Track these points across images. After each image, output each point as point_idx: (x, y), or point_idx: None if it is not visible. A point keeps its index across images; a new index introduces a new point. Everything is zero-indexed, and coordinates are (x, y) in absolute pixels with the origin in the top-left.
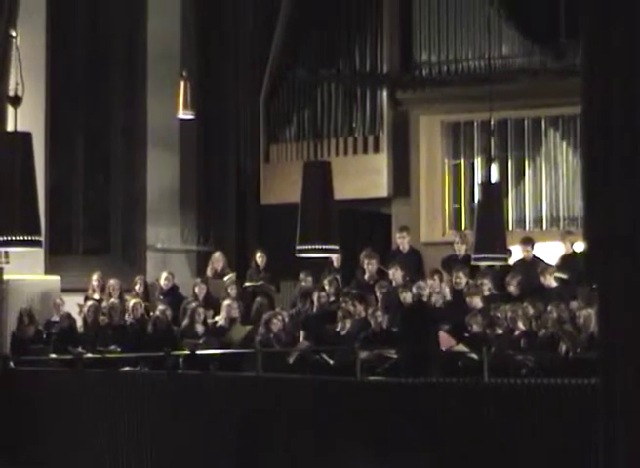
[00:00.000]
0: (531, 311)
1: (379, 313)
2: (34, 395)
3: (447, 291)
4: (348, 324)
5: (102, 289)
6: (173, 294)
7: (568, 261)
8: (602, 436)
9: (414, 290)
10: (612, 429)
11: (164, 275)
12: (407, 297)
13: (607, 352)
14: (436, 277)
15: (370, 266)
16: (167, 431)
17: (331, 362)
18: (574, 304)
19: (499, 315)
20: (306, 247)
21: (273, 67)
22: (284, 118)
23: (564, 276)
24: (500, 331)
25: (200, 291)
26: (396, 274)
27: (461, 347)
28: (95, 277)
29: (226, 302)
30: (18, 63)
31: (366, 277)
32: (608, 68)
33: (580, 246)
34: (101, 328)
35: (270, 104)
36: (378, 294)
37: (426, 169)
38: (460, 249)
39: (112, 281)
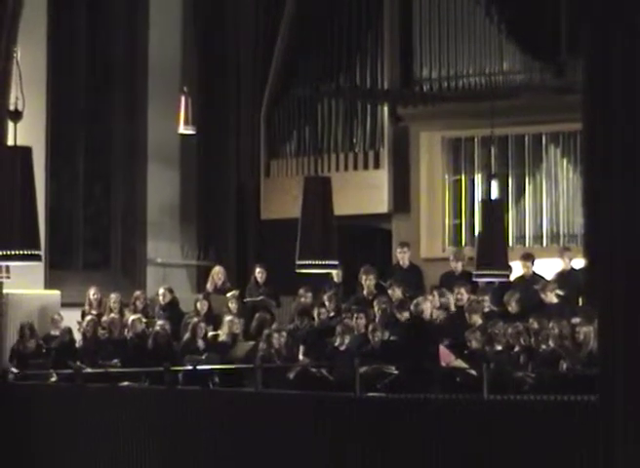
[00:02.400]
0: (535, 326)
1: (378, 329)
2: (34, 409)
3: (452, 302)
4: (347, 339)
5: (100, 303)
6: (172, 309)
7: (566, 278)
8: (602, 451)
9: (412, 307)
10: (612, 444)
11: (161, 290)
12: (404, 315)
13: (606, 368)
14: (435, 292)
15: (368, 282)
16: (167, 446)
17: (330, 378)
18: (574, 321)
19: (497, 331)
20: (306, 262)
21: (274, 83)
22: (284, 133)
23: (561, 293)
24: (499, 348)
25: (202, 306)
26: (395, 290)
27: (460, 363)
28: (92, 292)
29: (228, 318)
30: (18, 78)
31: (364, 292)
32: (608, 85)
33: (578, 262)
34: (101, 342)
35: (271, 120)
36: (376, 310)
37: (427, 185)
38: (456, 266)
39: (112, 295)
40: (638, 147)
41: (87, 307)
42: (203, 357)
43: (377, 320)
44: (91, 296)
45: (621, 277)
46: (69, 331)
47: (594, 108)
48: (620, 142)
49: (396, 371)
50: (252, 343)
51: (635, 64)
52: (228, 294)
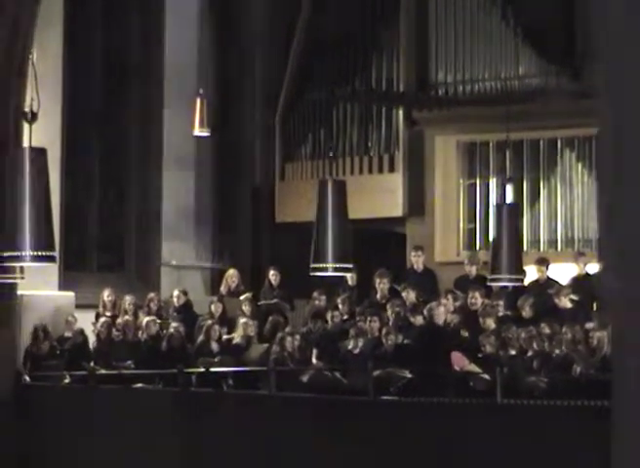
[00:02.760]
0: (547, 331)
1: (391, 332)
2: (48, 410)
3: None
4: (360, 343)
5: (114, 305)
6: (186, 312)
7: (580, 283)
8: (616, 459)
9: (425, 312)
10: (626, 452)
11: (176, 292)
12: (418, 319)
13: (620, 374)
14: (449, 296)
15: (382, 285)
16: (180, 447)
17: (344, 381)
18: (588, 326)
19: (510, 336)
20: (321, 265)
21: (289, 86)
22: (299, 137)
23: (575, 298)
24: (513, 352)
25: (216, 309)
26: (409, 294)
27: (474, 367)
28: (106, 293)
29: (242, 320)
30: (34, 80)
31: (378, 296)
32: (624, 90)
33: (593, 267)
34: (115, 344)
35: (286, 123)
36: (390, 313)
37: (441, 189)
38: (471, 270)
39: (127, 297)
40: None
41: (101, 309)
42: (216, 359)
43: (390, 323)
44: (105, 298)
45: (635, 281)
46: (82, 332)
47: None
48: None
49: (410, 375)
50: (265, 346)
51: None
52: (242, 297)
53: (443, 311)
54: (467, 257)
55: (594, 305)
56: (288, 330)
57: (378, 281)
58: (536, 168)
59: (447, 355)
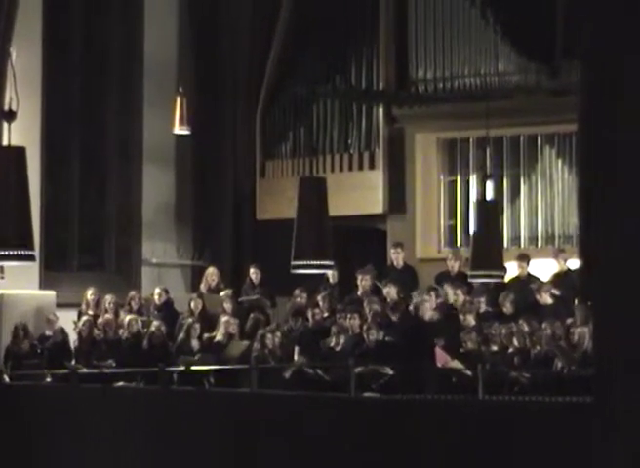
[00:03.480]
0: (526, 328)
1: (372, 329)
2: (29, 410)
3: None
4: (342, 339)
5: (97, 304)
6: (167, 310)
7: (561, 278)
8: (597, 454)
9: (411, 308)
10: (607, 447)
11: (157, 290)
12: (398, 315)
13: (601, 369)
14: (432, 293)
15: (364, 282)
16: (161, 446)
17: (326, 378)
18: (568, 321)
19: (492, 332)
20: (301, 263)
21: (269, 83)
22: (280, 134)
23: (557, 293)
24: (494, 348)
25: (196, 306)
26: (390, 290)
27: (457, 363)
28: (90, 292)
29: (224, 318)
30: (12, 78)
31: (359, 293)
32: (603, 86)
33: (574, 263)
34: (96, 343)
35: (266, 120)
36: (367, 311)
37: (422, 185)
38: (453, 266)
39: (108, 296)
40: (634, 148)
41: (84, 307)
42: (196, 357)
43: (368, 320)
44: (88, 297)
45: (617, 277)
46: (63, 331)
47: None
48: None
49: (392, 372)
50: (246, 343)
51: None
52: (222, 293)
53: (428, 307)
54: (452, 253)
55: (575, 301)
56: (269, 327)
57: (360, 277)
58: (516, 164)
59: (429, 351)
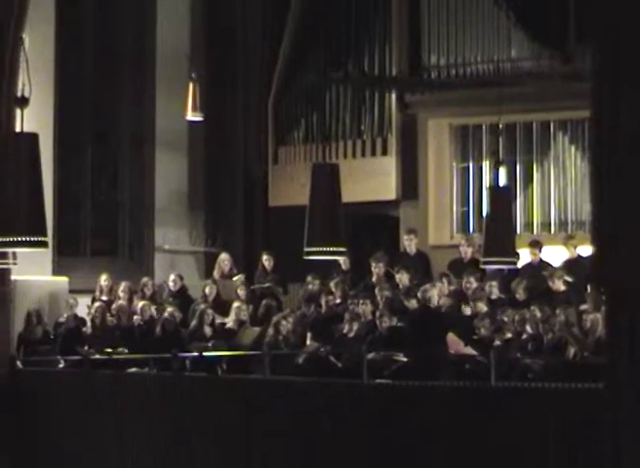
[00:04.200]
0: (538, 314)
1: (385, 316)
2: (41, 395)
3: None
4: (355, 326)
5: (110, 290)
6: (182, 296)
7: (573, 265)
8: (609, 440)
9: (419, 294)
10: (618, 433)
11: (172, 277)
12: (412, 302)
13: (614, 356)
14: (444, 280)
15: (377, 269)
16: (174, 432)
17: (339, 364)
18: (582, 308)
19: (505, 319)
20: (314, 249)
21: (282, 70)
22: (292, 120)
23: (569, 279)
24: (508, 335)
25: (210, 291)
26: (403, 277)
27: (470, 350)
28: (103, 278)
29: (235, 304)
30: (25, 65)
31: (373, 280)
32: (617, 73)
33: (584, 250)
34: (109, 329)
35: (279, 107)
36: (379, 298)
37: (434, 172)
38: (467, 251)
39: (123, 283)
40: None
41: (97, 293)
42: (209, 344)
43: (380, 307)
44: (102, 283)
45: (629, 263)
46: (75, 316)
47: (602, 96)
48: (628, 130)
49: (405, 359)
50: (257, 329)
51: None
52: (234, 278)
53: (437, 293)
54: (465, 238)
55: (587, 287)
56: (283, 313)
57: (373, 264)
58: (529, 151)
59: (442, 338)
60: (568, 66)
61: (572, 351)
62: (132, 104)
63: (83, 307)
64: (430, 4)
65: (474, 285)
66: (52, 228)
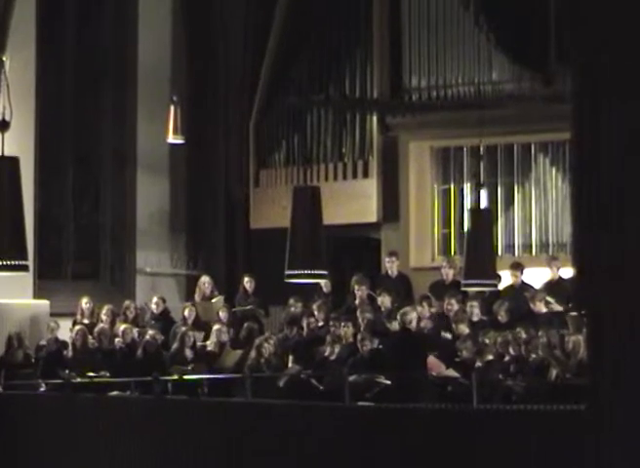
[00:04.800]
0: (523, 336)
1: (367, 338)
2: (22, 419)
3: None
4: (337, 349)
5: (92, 313)
6: (164, 319)
7: (555, 287)
8: (591, 462)
9: (398, 317)
10: (600, 455)
11: (154, 299)
12: (393, 324)
13: (595, 378)
14: (425, 303)
15: (360, 292)
16: (156, 456)
17: (321, 387)
18: (563, 330)
19: (487, 341)
20: (295, 272)
21: (263, 92)
22: (273, 143)
23: (552, 301)
24: (490, 357)
25: (189, 314)
26: (384, 299)
27: (451, 372)
28: (84, 301)
29: (216, 327)
30: (6, 88)
31: (356, 302)
32: (597, 94)
33: (567, 271)
34: (90, 352)
35: (260, 129)
36: (360, 320)
37: (416, 194)
38: (448, 273)
39: (106, 306)
40: (626, 157)
41: (78, 316)
42: (189, 367)
43: (361, 329)
44: (83, 306)
45: (610, 286)
46: (57, 340)
47: (583, 118)
48: (608, 152)
49: (387, 382)
50: (240, 352)
51: (624, 74)
52: (214, 300)
53: (415, 316)
54: (447, 260)
55: (568, 309)
56: (265, 336)
57: (356, 287)
58: (510, 173)
59: (422, 360)
60: (549, 88)
61: (554, 373)
62: (113, 126)
63: (65, 330)
64: (411, 26)
65: (455, 307)
66: (33, 251)
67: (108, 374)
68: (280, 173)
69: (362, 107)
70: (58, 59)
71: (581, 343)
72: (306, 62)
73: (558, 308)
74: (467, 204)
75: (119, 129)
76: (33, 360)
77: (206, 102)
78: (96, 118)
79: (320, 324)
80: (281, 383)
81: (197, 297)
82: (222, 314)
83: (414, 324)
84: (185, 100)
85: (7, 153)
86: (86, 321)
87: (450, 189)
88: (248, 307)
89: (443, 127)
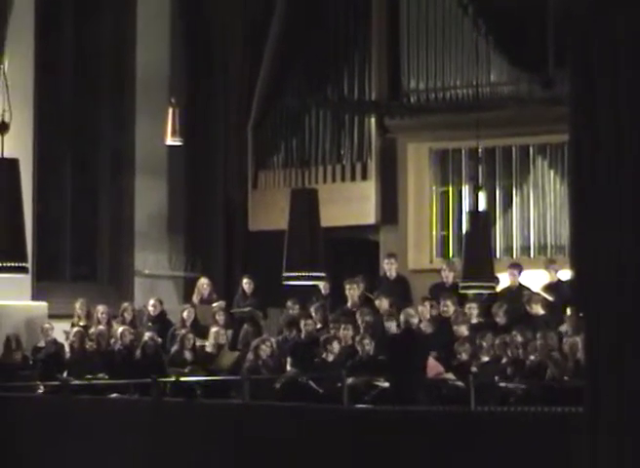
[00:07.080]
0: (519, 339)
1: (366, 340)
2: (20, 421)
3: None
4: (336, 351)
5: (87, 315)
6: (161, 321)
7: (553, 289)
8: (588, 463)
9: (401, 317)
10: (597, 456)
11: (152, 301)
12: (392, 326)
13: (592, 379)
14: (426, 304)
15: (352, 292)
16: (155, 457)
17: (320, 390)
18: (562, 331)
19: (484, 343)
20: (294, 274)
21: (261, 94)
22: (272, 145)
23: (550, 298)
24: (487, 359)
25: (188, 316)
26: (382, 302)
27: (450, 375)
28: (78, 304)
29: (214, 329)
30: (5, 90)
31: (349, 304)
32: (594, 96)
33: (565, 274)
34: (89, 354)
35: (258, 131)
36: (360, 322)
37: (414, 196)
38: (448, 276)
39: (100, 307)
40: (624, 159)
41: (75, 319)
42: (186, 370)
43: (361, 331)
44: (78, 308)
45: (607, 288)
46: (55, 342)
47: (581, 120)
48: (607, 154)
49: (386, 384)
50: (237, 353)
51: (621, 78)
52: (214, 305)
53: (418, 317)
54: (446, 263)
55: (567, 311)
56: (262, 337)
57: (348, 287)
58: (508, 175)
59: (422, 363)
60: (547, 91)
61: (551, 375)
62: (111, 129)
63: (61, 333)
64: (410, 28)
65: (451, 309)
66: (31, 253)
67: (107, 377)
68: (278, 175)
69: (360, 109)
70: (56, 62)
71: (579, 345)
72: (305, 64)
73: (550, 298)
74: (466, 206)
75: (118, 131)
76: (31, 362)
77: (204, 104)
78: (94, 120)
79: (318, 326)
80: (279, 385)
81: (195, 299)
82: (219, 317)
83: (415, 325)
84: (184, 102)
85: (6, 155)
86: (82, 323)
87: (448, 191)
88: (246, 309)
89: (441, 129)
